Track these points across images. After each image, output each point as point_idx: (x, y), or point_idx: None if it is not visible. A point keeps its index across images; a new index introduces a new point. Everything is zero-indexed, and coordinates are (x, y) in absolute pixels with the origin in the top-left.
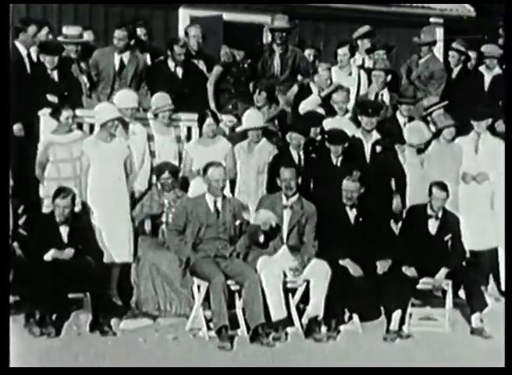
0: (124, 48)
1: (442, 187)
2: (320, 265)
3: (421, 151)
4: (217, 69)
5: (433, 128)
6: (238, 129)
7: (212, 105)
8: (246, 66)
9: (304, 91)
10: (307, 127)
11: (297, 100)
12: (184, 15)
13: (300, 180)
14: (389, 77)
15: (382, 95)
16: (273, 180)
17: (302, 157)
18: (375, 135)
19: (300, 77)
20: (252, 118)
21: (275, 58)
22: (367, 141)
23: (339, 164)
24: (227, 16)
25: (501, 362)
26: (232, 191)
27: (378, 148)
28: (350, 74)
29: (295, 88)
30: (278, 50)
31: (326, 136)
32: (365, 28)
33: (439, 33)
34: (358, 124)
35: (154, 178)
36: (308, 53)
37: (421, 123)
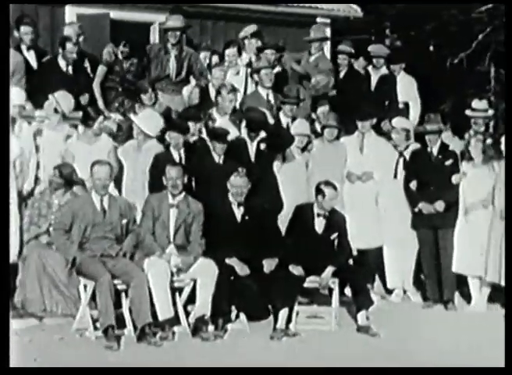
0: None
1: (333, 186)
2: (207, 264)
3: (304, 150)
4: (101, 68)
5: (318, 127)
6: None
7: (100, 103)
8: (130, 64)
9: (203, 93)
10: (185, 126)
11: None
12: (71, 12)
13: (186, 179)
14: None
15: (268, 95)
16: (154, 179)
17: (183, 156)
18: (261, 134)
19: (194, 78)
20: (146, 118)
21: (171, 60)
22: (252, 140)
23: (221, 162)
24: (114, 14)
25: (390, 361)
26: (120, 189)
27: (263, 146)
28: (238, 73)
29: (196, 90)
30: (173, 51)
31: (208, 134)
32: (252, 28)
33: (327, 33)
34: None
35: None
36: (204, 55)
37: (304, 122)
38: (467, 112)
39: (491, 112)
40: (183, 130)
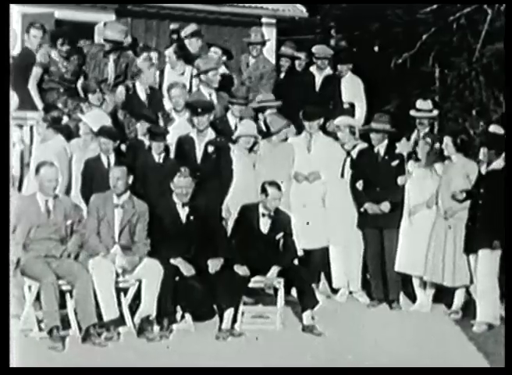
0: None
1: (277, 186)
2: (152, 264)
3: (251, 150)
4: (35, 70)
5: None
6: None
7: (39, 104)
8: (68, 63)
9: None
10: (115, 132)
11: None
12: (15, 11)
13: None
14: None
15: (211, 95)
16: (85, 184)
17: (112, 161)
18: (210, 134)
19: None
20: (95, 117)
21: (109, 64)
22: (200, 141)
23: (161, 161)
24: (59, 13)
25: (335, 360)
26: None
27: (211, 149)
28: (183, 74)
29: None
30: (111, 56)
31: (147, 133)
32: (191, 27)
33: (272, 33)
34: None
35: None
36: (148, 55)
37: (251, 122)
38: (412, 112)
39: (436, 112)
40: (113, 135)
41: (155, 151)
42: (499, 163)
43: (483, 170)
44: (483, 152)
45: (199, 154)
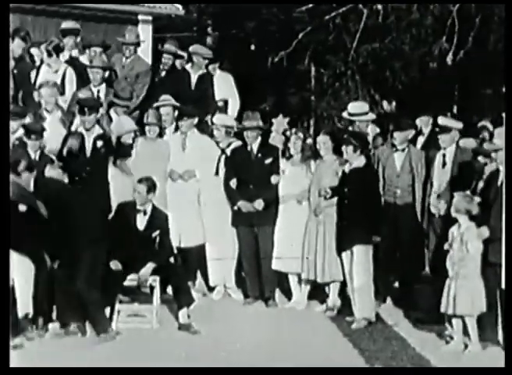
0: None
1: (147, 183)
2: (26, 263)
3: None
4: None
5: None
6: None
7: None
8: None
9: None
10: None
11: None
12: None
13: None
14: (107, 74)
15: (99, 91)
16: None
17: None
18: (97, 131)
19: None
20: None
21: None
22: (88, 137)
23: (37, 158)
24: None
25: (212, 359)
26: None
27: (100, 143)
28: (57, 72)
29: None
30: None
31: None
32: (68, 24)
33: (148, 30)
34: None
35: None
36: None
37: (124, 117)
38: (345, 114)
39: (372, 115)
40: None
41: (32, 148)
42: (360, 161)
43: (346, 169)
44: (346, 150)
45: (88, 150)
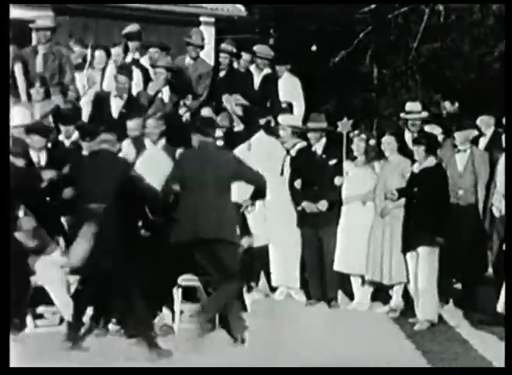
0: None
1: None
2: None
3: None
4: None
5: None
6: None
7: None
8: None
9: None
10: (48, 129)
11: None
12: None
13: None
14: (170, 75)
15: (163, 93)
16: None
17: (42, 159)
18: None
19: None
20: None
21: (38, 58)
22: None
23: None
24: None
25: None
26: None
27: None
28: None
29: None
30: (41, 50)
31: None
32: (133, 27)
33: (211, 32)
34: None
35: None
36: (81, 52)
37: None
38: (402, 114)
39: (425, 113)
40: (45, 132)
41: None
42: (431, 161)
43: (416, 169)
44: (417, 151)
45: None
